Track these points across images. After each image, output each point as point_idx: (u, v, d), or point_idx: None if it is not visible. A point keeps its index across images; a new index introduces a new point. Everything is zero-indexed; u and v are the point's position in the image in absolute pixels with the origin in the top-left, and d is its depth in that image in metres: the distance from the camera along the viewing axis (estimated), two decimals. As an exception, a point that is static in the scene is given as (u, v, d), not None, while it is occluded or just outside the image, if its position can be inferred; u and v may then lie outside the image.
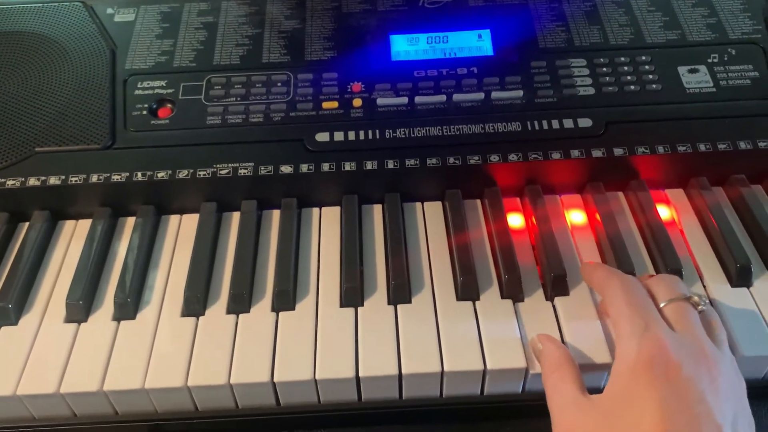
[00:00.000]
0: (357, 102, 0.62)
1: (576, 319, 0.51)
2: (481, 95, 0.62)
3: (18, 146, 0.60)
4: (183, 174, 0.58)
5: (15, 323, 0.53)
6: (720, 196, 0.61)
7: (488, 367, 0.49)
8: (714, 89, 0.62)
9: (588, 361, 0.49)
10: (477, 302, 0.53)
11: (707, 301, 0.47)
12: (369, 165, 0.59)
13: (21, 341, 0.52)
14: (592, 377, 0.48)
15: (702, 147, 0.59)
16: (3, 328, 0.53)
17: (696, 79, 0.63)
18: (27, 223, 0.60)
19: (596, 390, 0.44)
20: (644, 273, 0.55)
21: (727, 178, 0.61)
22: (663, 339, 0.42)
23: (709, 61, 0.64)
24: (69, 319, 0.53)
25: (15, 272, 0.55)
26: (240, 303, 0.53)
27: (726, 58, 0.64)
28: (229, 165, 0.59)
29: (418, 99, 0.62)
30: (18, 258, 0.56)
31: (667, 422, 0.38)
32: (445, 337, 0.50)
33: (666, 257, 0.54)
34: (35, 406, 0.50)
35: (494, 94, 0.62)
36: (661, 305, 0.46)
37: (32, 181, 0.58)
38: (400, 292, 0.53)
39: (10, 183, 0.58)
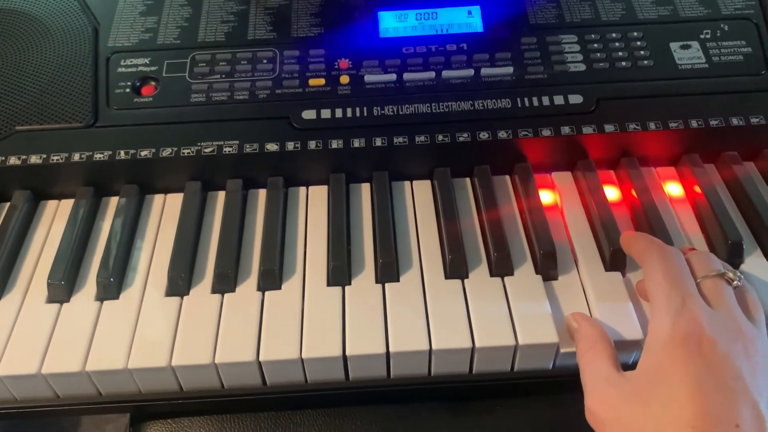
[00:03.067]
0: (344, 79, 0.61)
1: (566, 293, 0.51)
2: (470, 72, 0.61)
3: (-2, 125, 0.59)
4: (167, 152, 0.57)
5: (-4, 304, 0.52)
6: (712, 173, 0.60)
7: (477, 344, 0.48)
8: (706, 65, 0.61)
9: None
10: (466, 280, 0.52)
11: (742, 277, 0.46)
12: (356, 143, 0.58)
13: (2, 322, 0.51)
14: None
15: (694, 123, 0.58)
16: (-17, 308, 0.52)
17: (688, 55, 0.62)
18: (8, 204, 0.59)
19: (625, 366, 0.44)
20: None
21: (720, 155, 0.60)
22: (699, 315, 0.41)
23: (702, 36, 0.63)
24: (51, 300, 0.52)
25: (-4, 253, 0.54)
26: (225, 282, 0.52)
27: (718, 34, 0.63)
28: (214, 143, 0.58)
29: (406, 76, 0.61)
30: (-1, 239, 0.55)
31: (703, 398, 0.38)
32: (434, 316, 0.50)
33: (656, 230, 0.53)
34: (17, 387, 0.49)
35: (484, 71, 0.61)
36: (698, 280, 0.45)
37: (13, 160, 0.57)
38: (388, 271, 0.52)
39: (-10, 162, 0.57)
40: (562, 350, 0.49)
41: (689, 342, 0.40)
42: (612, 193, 0.58)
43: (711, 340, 0.40)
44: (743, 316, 0.43)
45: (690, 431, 0.37)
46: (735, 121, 0.59)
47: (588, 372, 0.44)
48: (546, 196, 0.58)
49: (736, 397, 0.38)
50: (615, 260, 0.52)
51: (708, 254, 0.48)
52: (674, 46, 0.63)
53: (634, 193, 0.57)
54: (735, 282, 0.46)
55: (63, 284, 0.52)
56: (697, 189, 0.57)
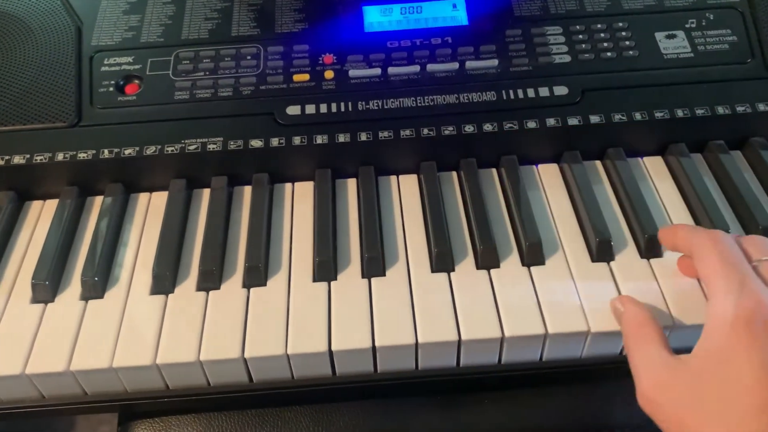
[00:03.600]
0: (329, 74, 0.61)
1: (552, 284, 0.50)
2: (455, 65, 0.61)
3: (-19, 125, 0.58)
4: (151, 150, 0.57)
5: (-20, 305, 0.52)
6: (699, 162, 0.60)
7: (463, 337, 0.48)
8: (692, 54, 0.61)
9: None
10: (452, 273, 0.52)
11: None
12: (342, 138, 0.58)
13: (-14, 323, 0.50)
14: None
15: (680, 113, 0.58)
16: (-32, 310, 0.52)
17: (674, 44, 0.62)
18: (-8, 204, 0.58)
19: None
20: (623, 241, 0.54)
21: (706, 144, 0.60)
22: (762, 296, 0.40)
23: (687, 26, 0.63)
24: (35, 300, 0.52)
25: (-20, 254, 0.54)
26: (210, 280, 0.52)
27: (704, 23, 0.63)
28: (198, 140, 0.57)
29: (391, 70, 0.61)
30: (-17, 239, 0.55)
31: None
32: (420, 309, 0.49)
33: (643, 223, 0.53)
34: (1, 388, 0.49)
35: (469, 64, 0.61)
36: (753, 263, 0.44)
37: (-4, 161, 0.57)
38: (374, 265, 0.52)
39: (-27, 163, 0.57)
40: (549, 341, 0.48)
41: (754, 322, 0.39)
42: (599, 183, 0.58)
43: None
44: None
45: (757, 417, 0.36)
46: (721, 110, 0.58)
47: (638, 355, 0.43)
48: (532, 188, 0.58)
49: None
50: (600, 252, 0.52)
51: (761, 238, 0.46)
52: (659, 35, 0.62)
53: (620, 183, 0.57)
54: None
55: (47, 284, 0.52)
56: (684, 178, 0.57)
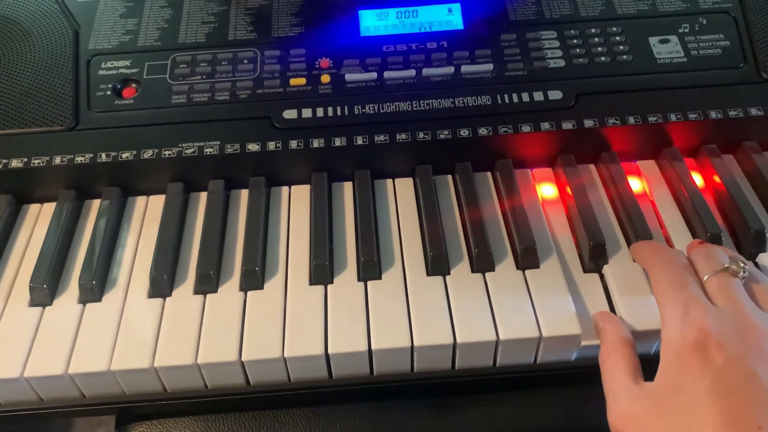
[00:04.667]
0: (325, 78, 0.61)
1: (547, 288, 0.51)
2: (450, 69, 0.61)
3: (-22, 129, 0.59)
4: (148, 154, 0.57)
5: (-22, 308, 0.52)
6: (692, 166, 0.60)
7: (458, 340, 0.48)
8: (685, 59, 0.62)
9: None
10: (447, 277, 0.52)
11: (745, 267, 0.44)
12: (338, 142, 0.58)
13: (-16, 326, 0.51)
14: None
15: (673, 117, 0.59)
16: (-34, 313, 0.52)
17: (667, 49, 0.63)
18: (-10, 208, 0.59)
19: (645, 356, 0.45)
20: (617, 245, 0.54)
21: (699, 148, 0.61)
22: (704, 321, 0.41)
23: (680, 31, 0.64)
24: (33, 303, 0.52)
25: (-22, 257, 0.54)
26: (207, 283, 0.52)
27: (697, 28, 0.64)
28: (195, 144, 0.58)
29: (387, 74, 0.61)
30: (-19, 243, 0.55)
31: (720, 406, 0.37)
32: (416, 312, 0.50)
33: (637, 227, 0.53)
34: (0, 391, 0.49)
35: (464, 68, 0.61)
36: (704, 279, 0.44)
37: (-7, 165, 0.57)
38: (370, 269, 0.53)
39: (-30, 167, 0.57)
40: (543, 345, 0.49)
41: (698, 349, 0.40)
42: (594, 187, 0.59)
43: (719, 344, 0.39)
44: (754, 308, 0.42)
45: None
46: (714, 114, 0.59)
47: (608, 380, 0.44)
48: (526, 192, 0.58)
49: (753, 398, 0.37)
50: (593, 257, 0.53)
51: (710, 249, 0.47)
52: (653, 40, 0.63)
53: (613, 187, 0.57)
54: (740, 274, 0.44)
55: (45, 287, 0.52)
56: (677, 182, 0.57)
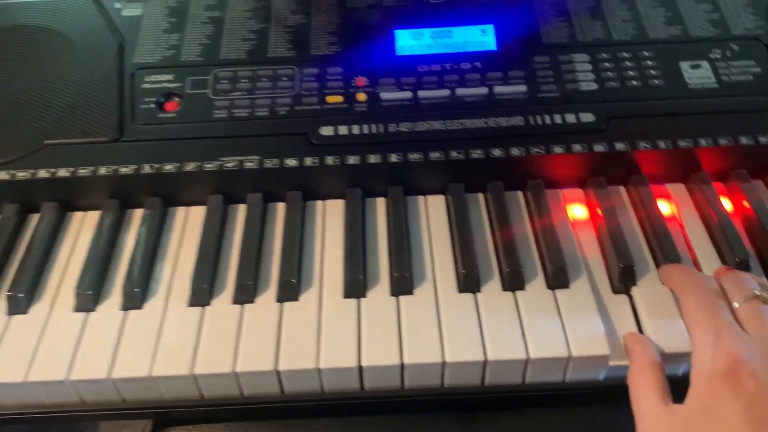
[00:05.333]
0: (361, 96, 0.63)
1: (576, 308, 0.52)
2: (484, 90, 0.63)
3: (28, 139, 0.61)
4: (190, 167, 0.59)
5: (26, 312, 0.54)
6: (721, 190, 0.61)
7: (489, 358, 0.49)
8: (716, 85, 0.63)
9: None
10: (478, 294, 0.54)
11: None
12: (372, 159, 0.60)
13: (31, 329, 0.53)
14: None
15: (703, 142, 0.60)
16: (14, 316, 0.54)
17: (698, 74, 0.63)
18: (37, 215, 0.61)
19: (673, 378, 0.46)
20: (646, 267, 0.55)
21: (729, 173, 0.62)
22: (735, 348, 0.41)
23: (712, 56, 0.65)
24: (78, 309, 0.54)
25: (25, 263, 0.56)
26: (245, 293, 0.54)
27: (728, 54, 0.65)
28: (236, 158, 0.59)
29: (421, 93, 0.63)
30: (28, 249, 0.57)
31: None
32: (447, 329, 0.51)
33: (666, 250, 0.54)
34: (45, 392, 0.51)
35: (497, 89, 0.63)
36: (735, 305, 0.45)
37: (42, 173, 0.59)
38: (402, 284, 0.54)
39: (20, 175, 0.59)
40: (572, 364, 0.50)
41: (729, 377, 0.40)
42: (623, 209, 0.60)
43: (751, 372, 0.40)
44: None
45: None
46: (744, 140, 0.60)
47: (637, 402, 0.45)
48: (557, 212, 0.59)
49: None
50: (623, 279, 0.54)
51: (741, 275, 0.48)
52: (684, 65, 0.64)
53: (643, 210, 0.58)
54: None
55: (89, 294, 0.54)
56: (706, 207, 0.58)
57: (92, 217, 0.61)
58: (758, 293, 0.45)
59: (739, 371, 0.40)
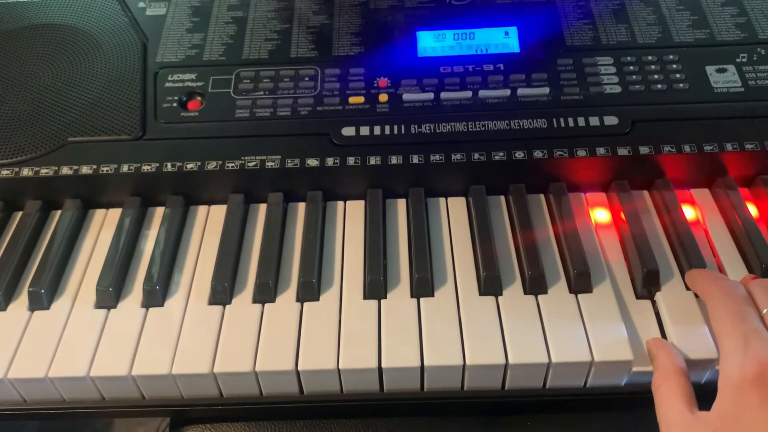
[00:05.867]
0: (383, 97, 0.63)
1: (599, 313, 0.51)
2: (507, 92, 0.62)
3: (52, 136, 0.61)
4: (212, 166, 0.59)
5: (47, 308, 0.54)
6: (746, 196, 0.60)
7: (510, 361, 0.49)
8: (742, 89, 0.62)
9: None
10: (500, 297, 0.53)
11: None
12: (394, 160, 0.60)
13: (53, 325, 0.53)
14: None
15: (729, 147, 0.59)
16: (36, 312, 0.54)
17: (724, 78, 0.63)
18: (59, 211, 0.61)
19: (696, 385, 0.45)
20: (670, 272, 0.54)
21: (754, 178, 0.61)
22: (765, 355, 0.41)
23: (738, 60, 0.64)
24: (99, 305, 0.54)
25: (47, 259, 0.57)
26: (265, 293, 0.54)
27: (755, 58, 0.64)
28: (257, 158, 0.59)
29: (443, 95, 0.63)
30: (50, 245, 0.58)
31: None
32: (468, 331, 0.51)
33: (690, 255, 0.54)
34: (66, 388, 0.51)
35: (520, 91, 0.62)
36: (764, 312, 0.45)
37: (65, 170, 0.60)
38: (423, 286, 0.54)
39: (44, 171, 0.60)
40: (594, 369, 0.49)
41: (759, 385, 0.40)
42: (647, 213, 0.59)
43: None
44: None
45: None
46: (771, 145, 0.59)
47: (662, 409, 0.45)
48: (580, 216, 0.59)
49: None
50: (646, 283, 0.53)
51: None
52: (710, 69, 0.63)
53: (668, 215, 0.58)
54: None
55: (111, 291, 0.54)
56: (731, 212, 0.57)
57: (114, 215, 0.61)
58: None
59: None
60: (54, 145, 0.61)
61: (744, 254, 0.56)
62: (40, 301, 0.54)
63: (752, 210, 0.59)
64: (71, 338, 0.52)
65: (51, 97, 0.64)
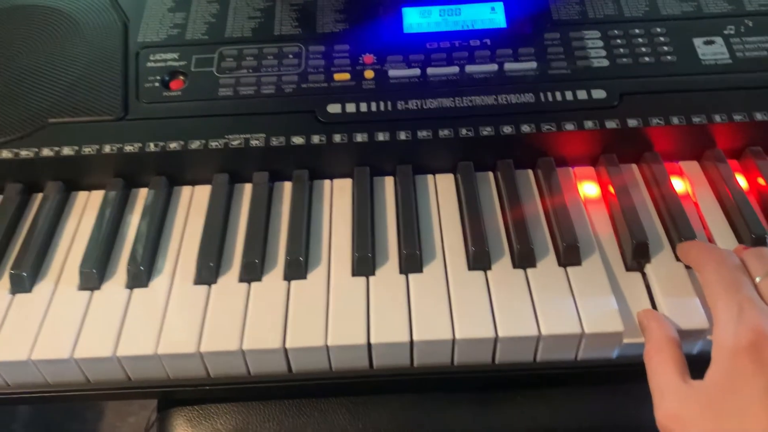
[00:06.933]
0: (369, 74, 0.62)
1: (589, 285, 0.51)
2: (494, 67, 0.62)
3: (31, 117, 0.60)
4: (195, 145, 0.58)
5: (29, 290, 0.54)
6: (735, 167, 0.60)
7: (500, 334, 0.49)
8: (730, 61, 0.62)
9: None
10: (489, 271, 0.53)
11: None
12: (381, 136, 0.59)
13: (35, 308, 0.52)
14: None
15: (717, 118, 0.58)
16: (18, 295, 0.53)
17: (712, 50, 0.62)
18: (41, 194, 0.60)
19: (688, 356, 0.45)
20: (660, 244, 0.54)
21: (743, 149, 0.60)
22: (759, 322, 0.41)
23: (726, 32, 0.63)
24: (83, 287, 0.54)
25: (29, 242, 0.56)
26: (252, 271, 0.53)
27: (743, 30, 0.63)
28: (241, 136, 0.59)
29: (430, 70, 0.62)
30: (32, 228, 0.57)
31: None
32: (457, 306, 0.50)
33: (680, 227, 0.53)
34: (49, 371, 0.51)
35: (507, 66, 0.62)
36: (757, 280, 0.45)
37: (46, 152, 0.59)
38: (412, 262, 0.53)
39: (23, 153, 0.58)
40: (585, 341, 0.49)
41: (753, 352, 0.40)
42: (636, 187, 0.59)
43: None
44: None
45: None
46: (759, 116, 0.58)
47: (654, 379, 0.44)
48: (568, 190, 0.58)
49: None
50: (636, 256, 0.53)
51: (763, 250, 0.47)
52: (698, 41, 0.63)
53: (656, 187, 0.57)
54: None
55: (94, 272, 0.53)
56: (721, 184, 0.57)
57: (97, 197, 0.61)
58: None
59: (763, 345, 0.40)
60: (34, 127, 0.60)
61: (734, 225, 0.55)
62: (22, 284, 0.53)
63: (741, 181, 0.59)
64: (54, 320, 0.51)
65: (30, 78, 0.63)
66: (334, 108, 0.60)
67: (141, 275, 0.53)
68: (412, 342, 0.49)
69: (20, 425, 1.11)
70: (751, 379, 0.39)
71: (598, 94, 0.60)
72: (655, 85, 0.60)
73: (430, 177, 0.61)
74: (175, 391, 0.53)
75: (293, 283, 0.53)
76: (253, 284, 0.53)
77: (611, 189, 0.57)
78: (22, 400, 0.52)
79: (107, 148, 0.59)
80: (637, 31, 0.64)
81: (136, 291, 0.53)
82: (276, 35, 0.65)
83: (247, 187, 0.60)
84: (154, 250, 0.56)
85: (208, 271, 0.53)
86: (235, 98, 0.61)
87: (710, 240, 0.55)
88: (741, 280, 0.44)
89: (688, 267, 0.52)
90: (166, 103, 0.61)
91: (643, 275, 0.53)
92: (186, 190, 0.61)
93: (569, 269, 0.52)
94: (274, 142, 0.58)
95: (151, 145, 0.59)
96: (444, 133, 0.59)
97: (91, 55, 0.64)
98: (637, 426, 0.53)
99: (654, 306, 0.51)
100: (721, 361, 0.41)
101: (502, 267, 0.53)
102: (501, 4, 0.66)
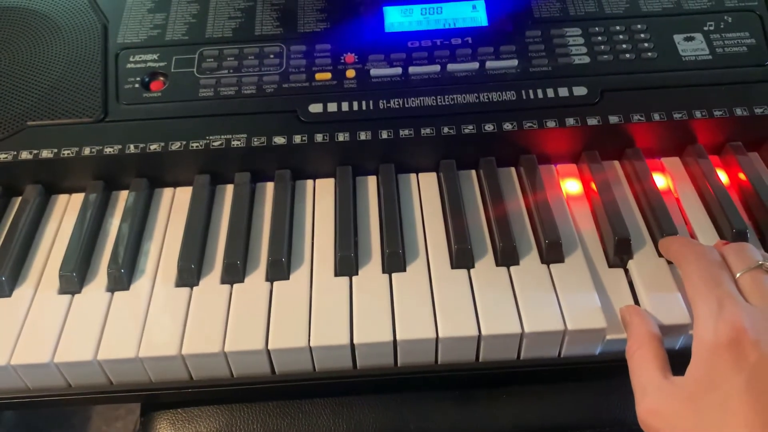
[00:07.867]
0: (350, 73, 0.62)
1: (571, 282, 0.51)
2: (475, 65, 0.62)
3: (9, 120, 0.60)
4: (176, 146, 0.58)
5: (8, 295, 0.53)
6: (716, 163, 0.60)
7: (483, 332, 0.48)
8: (710, 57, 0.62)
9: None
10: (472, 270, 0.53)
11: None
12: (363, 135, 0.59)
13: (14, 312, 0.52)
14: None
15: (698, 114, 0.59)
16: (-3, 300, 0.53)
17: (692, 47, 0.63)
18: (20, 198, 0.59)
19: (670, 351, 0.45)
20: (642, 240, 0.54)
21: (724, 145, 0.61)
22: (738, 318, 0.41)
23: (705, 29, 0.64)
24: (63, 291, 0.53)
25: (8, 246, 0.55)
26: (234, 273, 0.53)
27: (722, 26, 0.64)
28: (222, 137, 0.58)
29: (412, 69, 0.62)
30: (11, 232, 0.56)
31: (754, 404, 0.37)
32: (440, 304, 0.50)
33: (662, 223, 0.53)
34: (29, 376, 0.50)
35: (489, 64, 0.62)
36: (737, 275, 0.44)
37: (24, 155, 0.58)
38: (395, 261, 0.53)
39: (1, 157, 0.58)
40: (568, 338, 0.49)
41: (732, 347, 0.40)
42: (618, 183, 0.59)
43: (754, 342, 0.39)
44: None
45: None
46: (739, 112, 0.59)
47: (636, 375, 0.44)
48: (551, 187, 0.58)
49: None
50: (618, 252, 0.53)
51: (743, 246, 0.47)
52: (678, 38, 0.63)
53: (638, 183, 0.57)
54: None
55: (74, 276, 0.53)
56: (702, 179, 0.57)
57: (77, 200, 0.60)
58: (761, 263, 0.44)
59: (742, 342, 0.40)
60: (12, 130, 0.59)
61: (715, 220, 0.56)
62: (1, 289, 0.53)
63: (722, 177, 0.59)
64: (34, 325, 0.51)
65: (8, 81, 0.62)
66: (315, 107, 0.60)
67: (122, 278, 0.53)
68: (395, 341, 0.49)
69: (5, 431, 1.09)
70: (731, 374, 0.39)
71: (580, 91, 0.60)
72: (635, 82, 0.60)
73: (412, 176, 0.61)
74: (157, 395, 0.52)
75: (276, 284, 0.52)
76: (236, 285, 0.52)
77: (593, 186, 0.57)
78: (4, 406, 0.52)
79: (87, 151, 0.58)
80: (617, 28, 0.64)
81: (117, 294, 0.53)
82: (257, 35, 0.65)
83: (229, 188, 0.60)
84: (135, 252, 0.55)
85: (190, 273, 0.53)
86: (215, 99, 0.60)
87: (692, 235, 0.55)
88: (721, 276, 0.44)
89: (670, 262, 0.52)
90: (146, 104, 0.61)
91: (626, 271, 0.53)
92: (167, 192, 0.60)
93: (552, 266, 0.52)
94: (256, 142, 0.58)
95: (132, 146, 0.58)
96: (426, 131, 0.59)
97: (70, 57, 0.64)
98: (621, 422, 0.53)
99: (636, 302, 0.51)
100: (701, 357, 0.41)
101: (485, 265, 0.53)
102: (482, 2, 0.66)
